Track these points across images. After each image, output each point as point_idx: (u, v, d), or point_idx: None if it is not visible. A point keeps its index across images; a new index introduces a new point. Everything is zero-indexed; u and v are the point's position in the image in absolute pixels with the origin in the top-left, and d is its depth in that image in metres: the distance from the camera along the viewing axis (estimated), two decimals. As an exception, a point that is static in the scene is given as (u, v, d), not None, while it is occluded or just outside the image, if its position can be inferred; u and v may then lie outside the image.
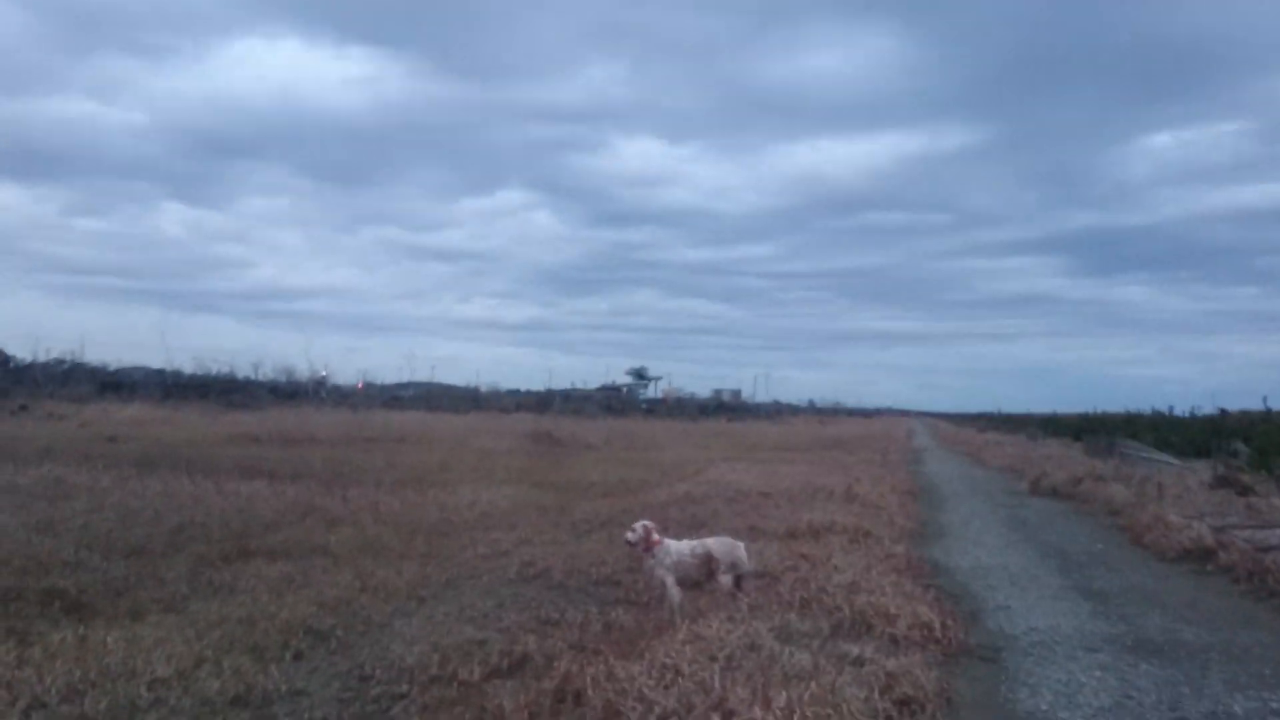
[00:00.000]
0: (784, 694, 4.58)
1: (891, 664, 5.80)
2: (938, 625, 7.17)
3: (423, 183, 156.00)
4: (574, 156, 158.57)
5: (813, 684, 4.84)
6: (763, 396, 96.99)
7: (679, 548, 8.54)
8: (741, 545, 8.54)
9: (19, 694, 5.58)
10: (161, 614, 8.13)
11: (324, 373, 73.61)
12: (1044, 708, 5.91)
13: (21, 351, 59.23)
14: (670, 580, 8.18)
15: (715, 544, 8.56)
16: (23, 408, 33.46)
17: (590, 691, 4.95)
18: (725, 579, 8.17)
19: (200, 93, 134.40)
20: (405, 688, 6.17)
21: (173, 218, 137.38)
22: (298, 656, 6.98)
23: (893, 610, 7.19)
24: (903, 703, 5.24)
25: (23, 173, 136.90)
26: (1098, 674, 6.68)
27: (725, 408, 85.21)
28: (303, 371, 68.84)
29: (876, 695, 5.13)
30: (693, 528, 13.47)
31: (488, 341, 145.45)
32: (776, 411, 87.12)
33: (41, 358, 58.15)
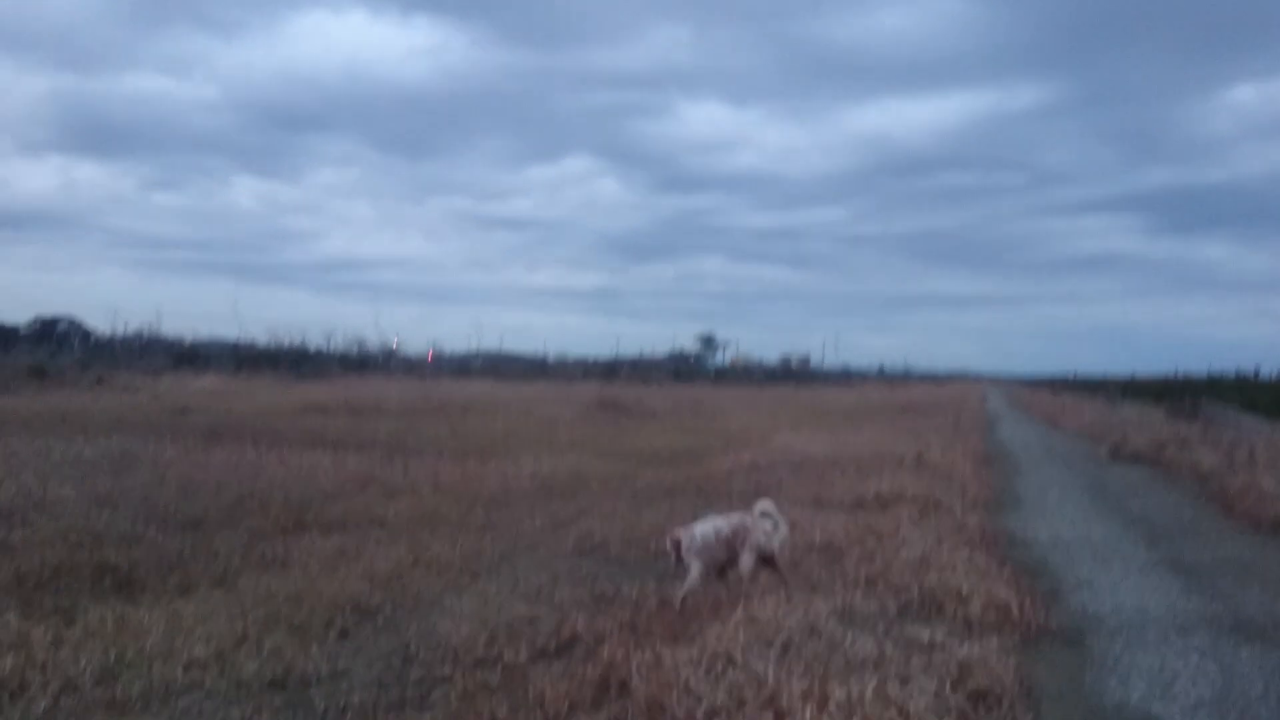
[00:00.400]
0: (844, 689, 4.18)
1: (964, 651, 5.35)
2: (1015, 605, 6.65)
3: (489, 151, 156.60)
4: (639, 122, 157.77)
5: (876, 676, 4.44)
6: (831, 362, 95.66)
7: (703, 530, 7.60)
8: (768, 520, 7.54)
9: (52, 676, 5.39)
10: (210, 589, 7.97)
11: (395, 343, 74.34)
12: (1135, 699, 5.39)
13: (102, 325, 60.69)
14: (696, 566, 7.34)
15: (733, 521, 7.67)
16: (99, 381, 34.11)
17: (635, 680, 4.60)
18: (746, 560, 7.34)
19: (270, 66, 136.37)
20: (448, 670, 5.89)
21: (245, 191, 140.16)
22: (343, 635, 6.76)
23: (965, 589, 6.69)
24: (977, 696, 4.76)
25: (102, 149, 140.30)
26: (1194, 659, 6.14)
27: (793, 374, 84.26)
28: (373, 342, 69.60)
29: (948, 688, 4.68)
30: (756, 498, 13.07)
31: (555, 310, 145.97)
32: (845, 377, 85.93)
33: (120, 331, 59.51)
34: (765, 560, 7.41)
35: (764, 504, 7.78)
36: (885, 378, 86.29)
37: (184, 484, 13.06)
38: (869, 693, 4.17)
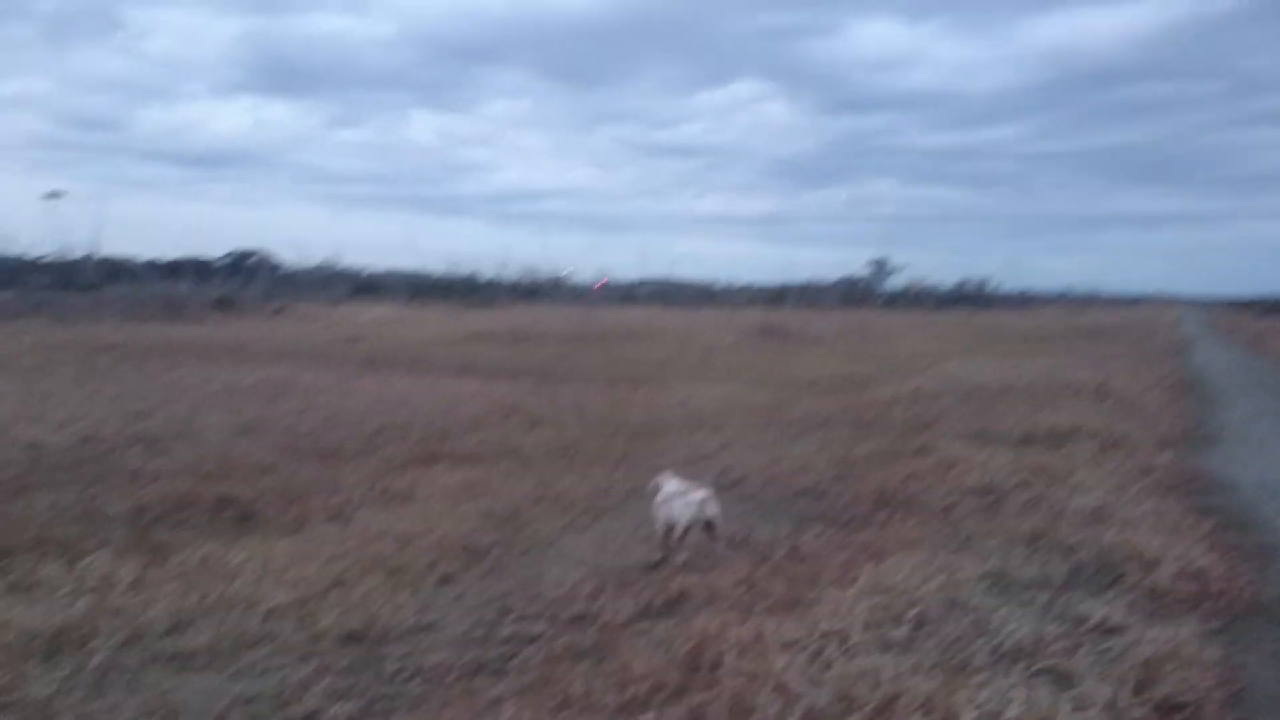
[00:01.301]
0: (983, 693, 3.24)
1: (1151, 638, 4.19)
2: (1216, 572, 5.34)
3: (657, 78, 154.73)
4: (808, 43, 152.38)
5: (1027, 676, 3.48)
6: (1011, 286, 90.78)
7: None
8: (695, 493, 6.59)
9: (122, 623, 5.01)
10: (325, 525, 7.60)
11: (566, 271, 74.77)
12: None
13: (289, 258, 63.17)
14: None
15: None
16: (279, 311, 35.29)
17: (729, 661, 3.79)
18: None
19: (444, 2, 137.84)
20: (541, 628, 5.24)
21: (422, 125, 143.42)
22: (444, 580, 6.21)
23: (1152, 549, 5.45)
24: (1168, 709, 3.59)
25: (289, 89, 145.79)
26: None
27: (970, 298, 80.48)
28: (543, 271, 70.12)
29: (1127, 694, 3.58)
30: (917, 429, 12.03)
31: (724, 237, 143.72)
32: (1025, 301, 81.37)
33: (305, 264, 61.84)
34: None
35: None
36: (1069, 301, 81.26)
37: (330, 413, 12.96)
38: (1015, 703, 3.21)
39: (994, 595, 4.70)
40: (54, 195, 48.50)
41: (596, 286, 77.72)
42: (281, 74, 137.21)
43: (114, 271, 47.40)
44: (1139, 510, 6.42)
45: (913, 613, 4.24)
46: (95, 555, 6.11)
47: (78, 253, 47.56)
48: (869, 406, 14.72)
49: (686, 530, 6.45)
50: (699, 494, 6.56)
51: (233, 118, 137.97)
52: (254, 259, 62.38)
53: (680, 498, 6.62)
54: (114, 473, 9.09)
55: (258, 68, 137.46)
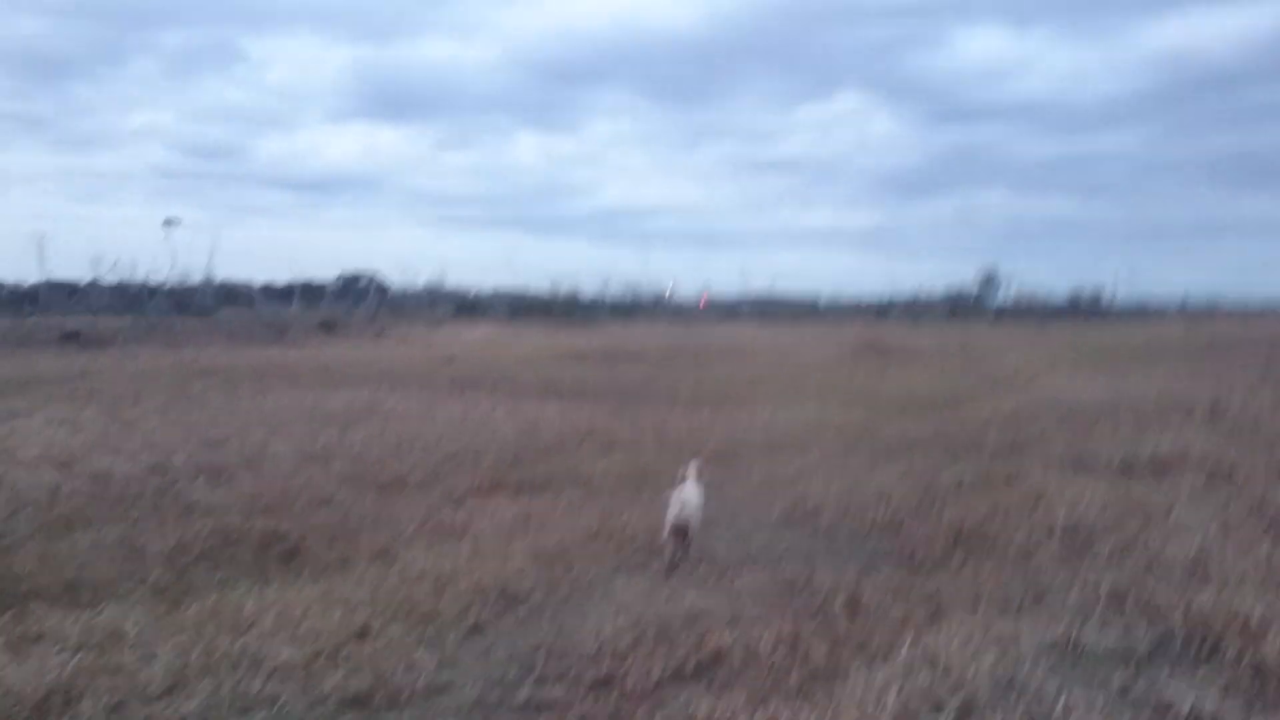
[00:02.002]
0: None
1: None
2: None
3: (759, 94, 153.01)
4: (912, 54, 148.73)
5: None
6: (1125, 297, 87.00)
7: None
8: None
9: (117, 682, 4.71)
10: (370, 564, 7.27)
11: (669, 289, 74.60)
12: None
13: (397, 279, 64.41)
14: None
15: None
16: (380, 333, 35.73)
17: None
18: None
19: (546, 24, 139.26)
20: (559, 693, 4.76)
21: (527, 146, 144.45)
22: (474, 631, 5.79)
23: (1257, 615, 4.60)
24: None
25: (398, 114, 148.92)
26: None
27: (1082, 310, 77.46)
28: (647, 289, 69.99)
29: None
30: (1009, 454, 11.22)
31: (828, 251, 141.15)
32: (1141, 313, 77.84)
33: (412, 285, 62.95)
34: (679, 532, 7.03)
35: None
36: (1187, 313, 77.30)
37: (405, 438, 12.74)
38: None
39: (1061, 671, 4.02)
40: (170, 223, 50.27)
41: (700, 304, 77.30)
42: (391, 100, 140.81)
43: (229, 296, 48.96)
44: (1245, 562, 5.58)
45: (957, 699, 3.63)
46: (111, 603, 5.87)
47: (194, 278, 49.34)
48: (962, 428, 13.92)
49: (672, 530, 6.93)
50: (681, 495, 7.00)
51: (345, 144, 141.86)
52: (363, 281, 63.79)
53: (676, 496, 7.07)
54: (172, 505, 8.97)
55: (369, 95, 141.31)
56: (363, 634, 5.56)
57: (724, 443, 13.00)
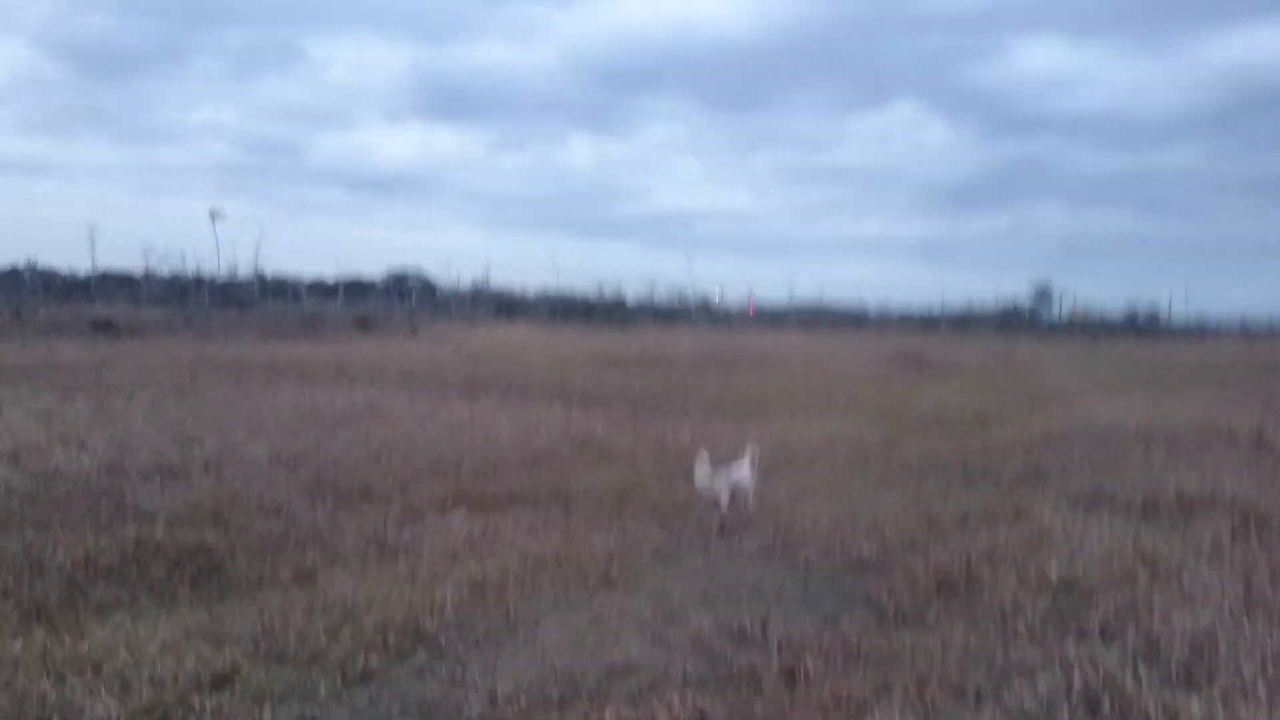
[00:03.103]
0: None
1: None
2: None
3: (813, 102, 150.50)
4: (970, 65, 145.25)
5: None
6: (1184, 315, 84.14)
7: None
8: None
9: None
10: (287, 587, 6.48)
11: (716, 295, 73.67)
12: None
13: (444, 278, 64.15)
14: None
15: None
16: (414, 331, 35.20)
17: None
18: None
19: (603, 29, 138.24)
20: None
21: (581, 150, 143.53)
22: (361, 679, 4.94)
23: None
24: None
25: (454, 115, 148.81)
26: None
27: (1138, 327, 75.01)
28: (692, 294, 69.04)
29: None
30: (1027, 483, 10.14)
31: (880, 261, 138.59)
32: (1199, 331, 75.17)
33: (459, 283, 62.62)
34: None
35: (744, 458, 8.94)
36: (1248, 333, 74.32)
37: (391, 442, 11.97)
38: None
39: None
40: (215, 215, 50.34)
41: (749, 311, 76.23)
42: (448, 101, 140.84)
43: (275, 290, 48.90)
44: (1262, 650, 4.34)
45: None
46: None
47: (242, 272, 49.37)
48: (985, 451, 12.84)
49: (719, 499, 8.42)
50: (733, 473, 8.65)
51: (402, 143, 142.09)
52: (411, 279, 63.64)
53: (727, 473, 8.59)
54: (108, 510, 8.24)
55: (426, 95, 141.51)
56: (221, 681, 4.73)
57: (726, 457, 12.06)
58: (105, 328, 27.64)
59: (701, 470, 8.50)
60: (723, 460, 8.76)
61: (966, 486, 10.32)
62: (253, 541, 7.52)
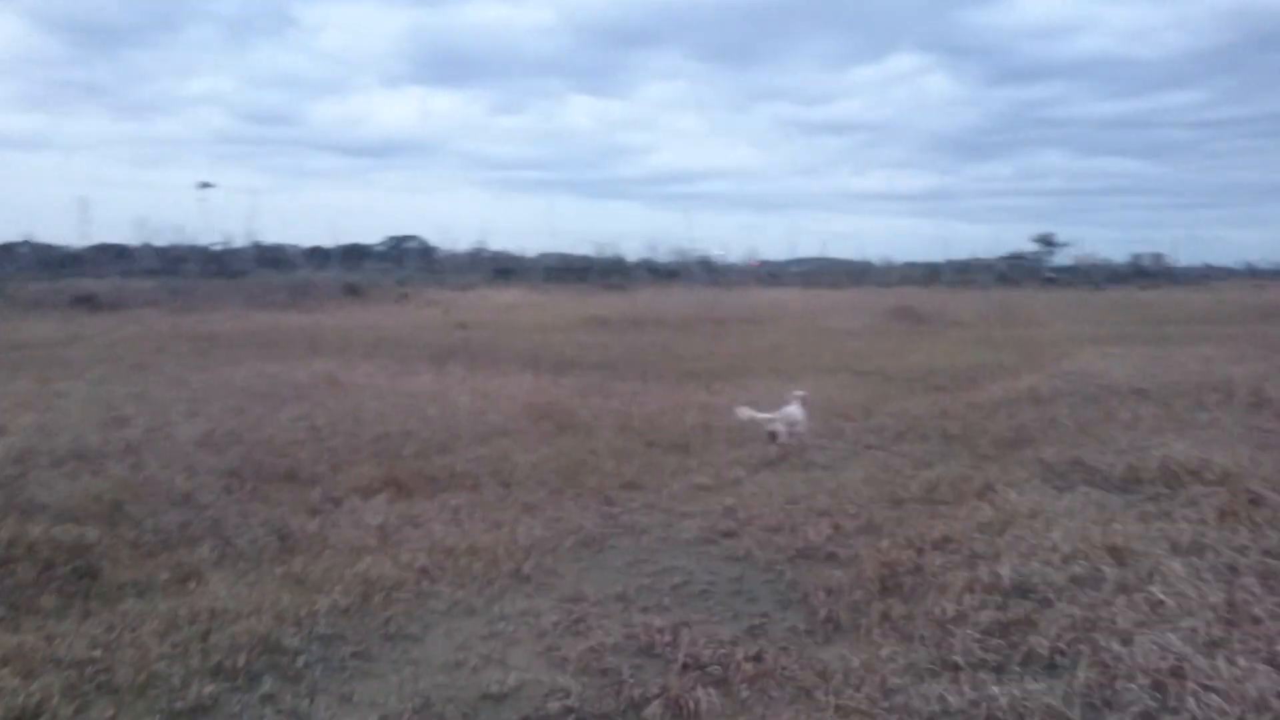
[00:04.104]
0: None
1: None
2: None
3: (812, 54, 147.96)
4: (969, 12, 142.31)
5: None
6: (1190, 260, 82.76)
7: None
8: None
9: None
10: (164, 592, 5.75)
11: (719, 253, 72.60)
12: None
13: (444, 243, 63.17)
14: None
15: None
16: (403, 296, 34.36)
17: None
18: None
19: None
20: None
21: (581, 110, 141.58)
22: (193, 712, 4.18)
23: None
24: None
25: (452, 79, 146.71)
26: None
27: (1144, 274, 73.66)
28: (693, 252, 67.94)
29: None
30: (1004, 449, 9.33)
31: (884, 214, 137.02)
32: (1205, 277, 73.79)
33: (458, 248, 61.66)
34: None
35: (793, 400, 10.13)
36: (1254, 277, 72.87)
37: (334, 419, 11.18)
38: None
39: None
40: (205, 186, 49.50)
41: (755, 264, 75.16)
42: (445, 64, 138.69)
43: (270, 259, 48.03)
44: (1241, 696, 3.32)
45: None
46: None
47: (238, 242, 48.53)
48: (968, 411, 12.02)
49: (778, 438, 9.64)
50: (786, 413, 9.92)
51: (400, 108, 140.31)
52: (411, 243, 62.72)
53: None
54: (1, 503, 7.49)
55: (423, 59, 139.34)
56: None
57: (694, 425, 11.26)
58: (86, 302, 26.87)
59: (744, 414, 9.96)
60: (765, 407, 10.07)
61: (942, 453, 9.53)
62: (144, 538, 6.79)
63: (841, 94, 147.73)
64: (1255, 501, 5.44)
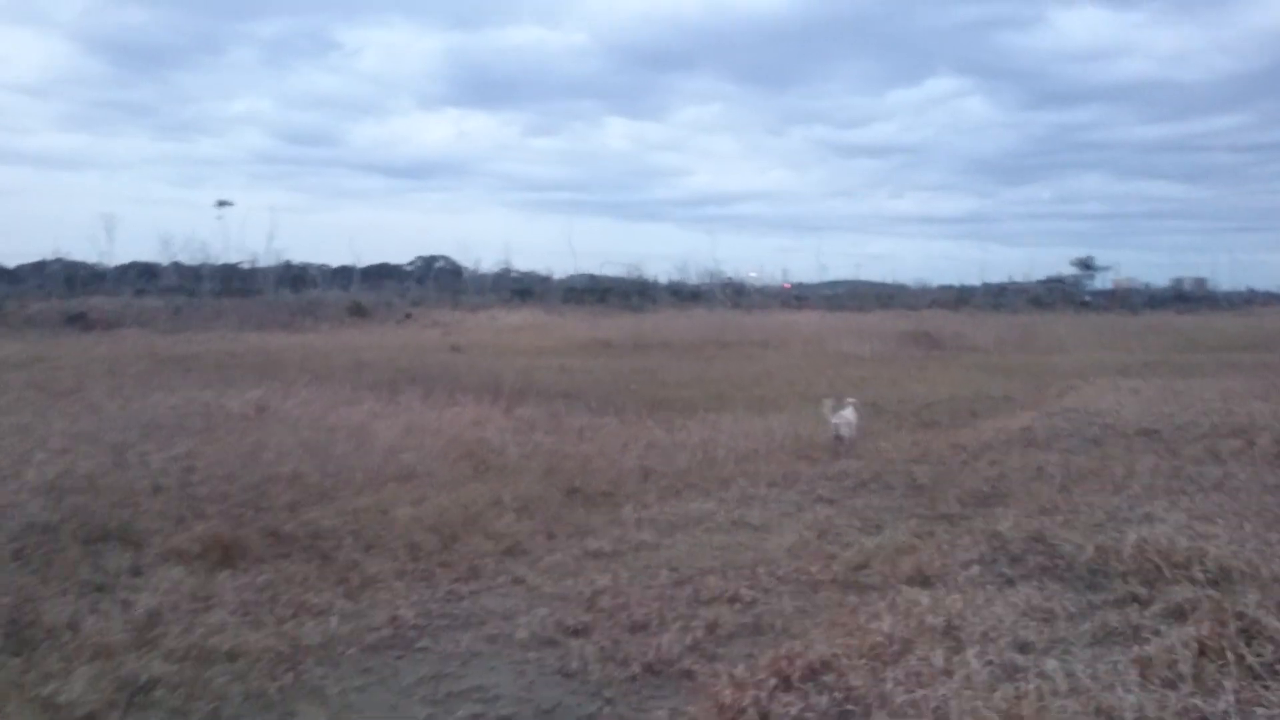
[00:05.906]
0: None
1: None
2: None
3: (849, 77, 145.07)
4: (1008, 35, 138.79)
5: None
6: (1232, 284, 79.35)
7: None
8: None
9: None
10: None
11: (754, 275, 71.00)
12: None
13: (472, 263, 62.03)
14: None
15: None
16: (407, 317, 33.06)
17: None
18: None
19: (634, 8, 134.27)
20: None
21: (616, 132, 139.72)
22: None
23: None
24: None
25: (488, 100, 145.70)
26: None
27: (1183, 298, 70.66)
28: (719, 275, 66.19)
29: None
30: (981, 502, 7.69)
31: (921, 237, 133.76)
32: (1246, 301, 70.65)
33: (485, 269, 60.49)
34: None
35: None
36: (1300, 302, 69.70)
37: (226, 457, 9.59)
38: None
39: None
40: (223, 204, 48.81)
41: (786, 286, 73.50)
42: (482, 86, 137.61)
43: (293, 279, 47.12)
44: None
45: None
46: None
47: (261, 260, 47.67)
48: (949, 453, 10.40)
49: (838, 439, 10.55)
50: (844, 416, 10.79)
51: (437, 130, 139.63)
52: (439, 263, 61.72)
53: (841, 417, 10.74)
54: None
55: (460, 81, 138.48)
56: None
57: (629, 470, 9.69)
58: (78, 320, 25.84)
59: (827, 407, 10.86)
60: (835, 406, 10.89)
61: (899, 510, 7.91)
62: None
63: (878, 117, 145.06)
64: (1247, 632, 3.67)
